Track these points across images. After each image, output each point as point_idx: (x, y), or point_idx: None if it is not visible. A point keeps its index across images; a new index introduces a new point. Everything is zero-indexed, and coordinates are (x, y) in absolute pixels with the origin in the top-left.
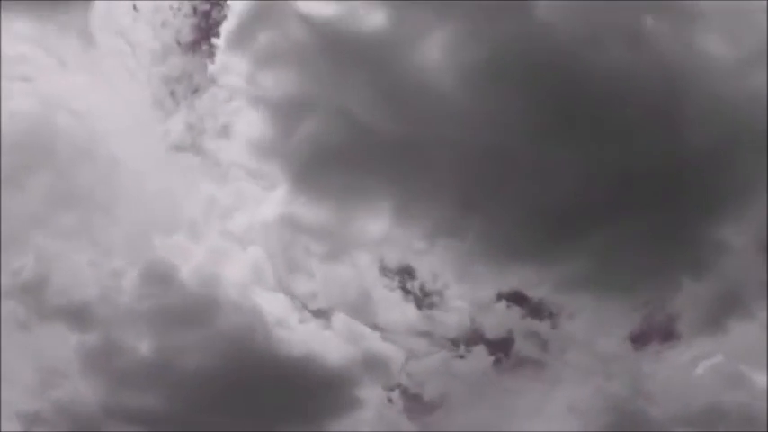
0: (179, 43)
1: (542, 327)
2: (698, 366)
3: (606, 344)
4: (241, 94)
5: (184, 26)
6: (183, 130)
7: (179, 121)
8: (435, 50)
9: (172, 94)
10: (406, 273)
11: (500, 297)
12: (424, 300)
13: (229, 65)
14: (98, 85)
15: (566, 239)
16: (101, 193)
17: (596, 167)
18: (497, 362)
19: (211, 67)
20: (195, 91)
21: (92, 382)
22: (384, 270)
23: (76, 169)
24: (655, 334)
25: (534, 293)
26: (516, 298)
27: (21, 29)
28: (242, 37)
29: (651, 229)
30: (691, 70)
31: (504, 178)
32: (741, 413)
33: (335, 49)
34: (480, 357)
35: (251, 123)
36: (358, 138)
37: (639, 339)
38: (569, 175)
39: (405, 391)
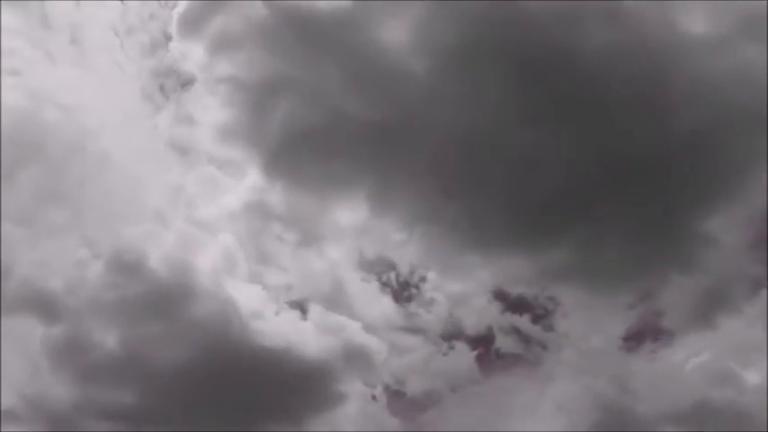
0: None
1: (523, 322)
2: (687, 363)
3: (595, 341)
4: (202, 81)
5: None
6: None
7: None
8: (406, 30)
9: (161, 87)
10: (383, 264)
11: (480, 291)
12: (402, 293)
13: (186, 51)
14: (87, 78)
15: (549, 229)
16: (90, 188)
17: (578, 154)
18: (480, 358)
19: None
20: (185, 84)
21: (61, 378)
22: (361, 261)
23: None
24: (643, 331)
25: (516, 287)
26: (497, 293)
27: (8, 22)
28: (197, 21)
29: (637, 220)
30: (673, 49)
31: (484, 164)
32: (730, 410)
33: (300, 29)
34: (462, 354)
35: (216, 109)
36: (330, 122)
37: (628, 337)
38: (551, 161)
39: (387, 388)
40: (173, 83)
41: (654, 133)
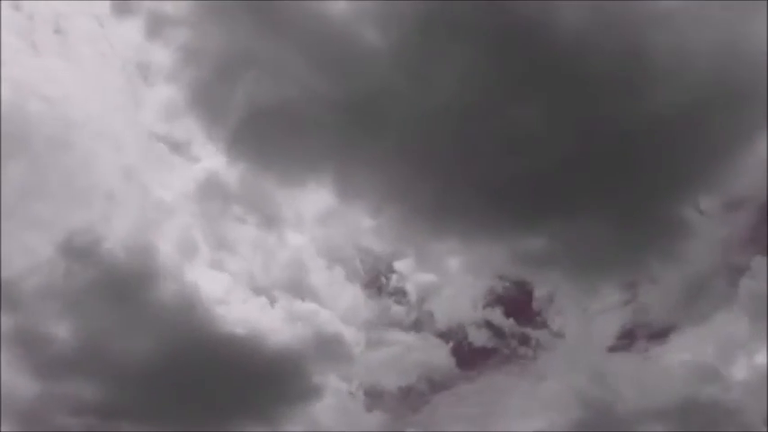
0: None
1: (496, 315)
2: (672, 361)
3: (582, 338)
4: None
5: None
6: None
7: None
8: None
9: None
10: (350, 251)
11: (454, 281)
12: (371, 283)
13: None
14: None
15: (526, 214)
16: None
17: (555, 133)
18: (455, 352)
19: None
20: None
21: (21, 372)
22: (327, 248)
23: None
24: (633, 331)
25: (491, 276)
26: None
27: None
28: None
29: (615, 206)
30: (653, 22)
31: (456, 144)
32: (716, 407)
33: (257, 3)
34: (437, 348)
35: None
36: (292, 100)
37: (612, 334)
38: (527, 141)
39: (363, 384)
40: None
41: (632, 112)
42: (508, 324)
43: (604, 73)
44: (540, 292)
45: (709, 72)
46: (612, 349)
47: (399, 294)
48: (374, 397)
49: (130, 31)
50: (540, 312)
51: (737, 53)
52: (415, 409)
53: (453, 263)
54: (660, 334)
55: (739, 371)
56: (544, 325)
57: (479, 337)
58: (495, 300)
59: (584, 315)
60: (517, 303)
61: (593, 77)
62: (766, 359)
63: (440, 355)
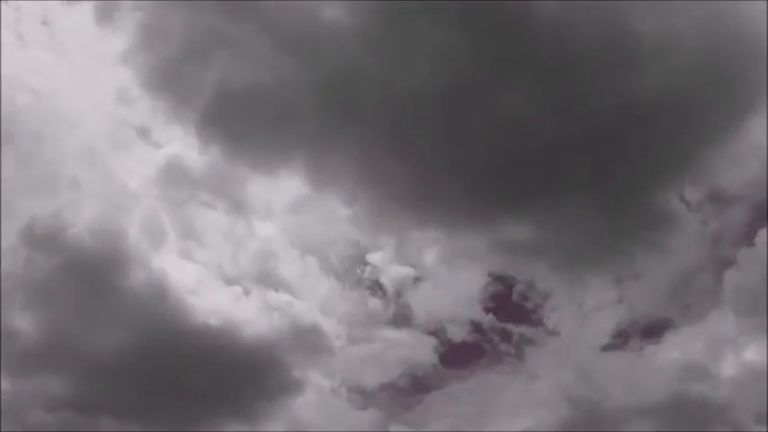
0: None
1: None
2: (664, 359)
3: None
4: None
5: None
6: None
7: None
8: None
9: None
10: (324, 242)
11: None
12: (345, 275)
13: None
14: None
15: (508, 201)
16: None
17: (537, 116)
18: (437, 348)
19: None
20: None
21: None
22: (298, 237)
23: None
24: (622, 328)
25: (472, 267)
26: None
27: None
28: None
29: (599, 195)
30: (638, 2)
31: (438, 126)
32: (704, 404)
33: None
34: (419, 344)
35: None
36: (263, 83)
37: (607, 332)
38: (507, 124)
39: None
40: None
41: (618, 95)
42: (488, 320)
43: (588, 55)
44: (523, 287)
45: (697, 53)
46: (607, 348)
47: (375, 287)
48: (358, 394)
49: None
50: (536, 309)
51: (726, 33)
52: (407, 407)
53: (433, 253)
54: (655, 332)
55: (728, 367)
56: (540, 323)
57: (460, 333)
58: (482, 295)
59: (580, 312)
60: (503, 298)
61: (577, 60)
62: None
63: (423, 352)
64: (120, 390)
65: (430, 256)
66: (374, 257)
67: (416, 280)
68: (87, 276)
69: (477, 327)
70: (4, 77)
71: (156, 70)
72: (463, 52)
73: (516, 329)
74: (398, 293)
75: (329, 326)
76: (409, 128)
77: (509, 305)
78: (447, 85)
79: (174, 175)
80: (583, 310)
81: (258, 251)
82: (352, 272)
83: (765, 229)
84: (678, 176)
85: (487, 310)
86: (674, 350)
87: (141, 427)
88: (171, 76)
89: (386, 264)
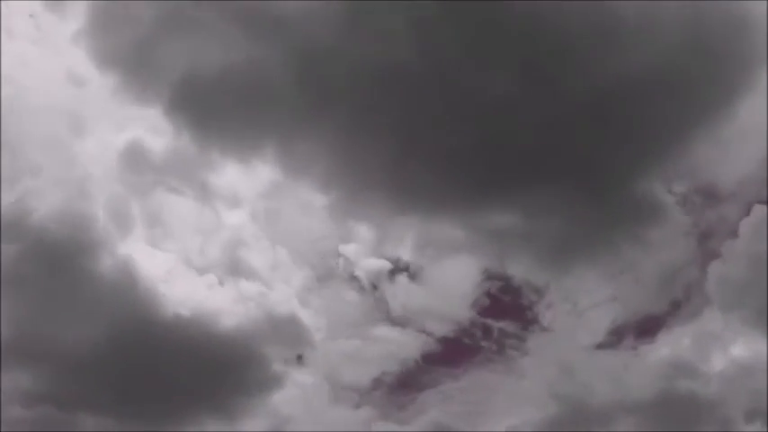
0: None
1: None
2: (649, 355)
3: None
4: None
5: None
6: None
7: None
8: None
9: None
10: (297, 231)
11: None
12: (319, 267)
13: None
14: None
15: (491, 189)
16: None
17: (520, 101)
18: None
19: None
20: None
21: None
22: (270, 225)
23: None
24: (617, 326)
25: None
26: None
27: None
28: None
29: (583, 183)
30: None
31: (416, 109)
32: (691, 402)
33: None
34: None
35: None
36: (233, 64)
37: (602, 330)
38: (489, 108)
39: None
40: None
41: (599, 78)
42: (472, 316)
43: (572, 35)
44: (514, 282)
45: (683, 33)
46: (601, 346)
47: (352, 280)
48: (342, 389)
49: None
50: (532, 306)
51: (714, 10)
52: (395, 405)
53: (413, 242)
54: (649, 331)
55: (717, 363)
56: (535, 320)
57: (442, 329)
58: (474, 292)
59: (575, 310)
60: (492, 295)
61: (560, 38)
62: None
63: (409, 349)
64: (94, 384)
65: (410, 246)
66: (348, 249)
67: (393, 272)
68: (53, 264)
69: (460, 324)
70: None
71: (118, 53)
72: (443, 35)
73: (502, 326)
74: (374, 286)
75: (308, 317)
76: (387, 112)
77: (500, 302)
78: (426, 69)
79: (138, 160)
80: (578, 308)
81: (229, 240)
82: (327, 263)
83: (748, 219)
84: (663, 163)
85: (476, 306)
86: (665, 347)
87: (118, 424)
88: (135, 59)
89: (361, 256)
